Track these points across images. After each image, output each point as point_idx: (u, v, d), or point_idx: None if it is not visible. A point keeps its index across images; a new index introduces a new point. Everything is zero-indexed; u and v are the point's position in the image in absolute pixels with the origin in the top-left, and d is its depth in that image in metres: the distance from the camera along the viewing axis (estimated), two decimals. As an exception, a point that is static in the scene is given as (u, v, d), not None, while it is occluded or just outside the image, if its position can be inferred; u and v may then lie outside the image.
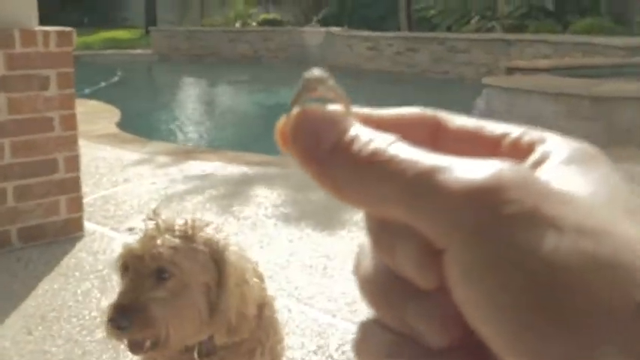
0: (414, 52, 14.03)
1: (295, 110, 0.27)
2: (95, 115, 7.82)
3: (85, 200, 4.16)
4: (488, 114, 7.83)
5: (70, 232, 3.86)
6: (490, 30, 14.90)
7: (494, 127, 0.29)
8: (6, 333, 2.80)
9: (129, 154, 5.99)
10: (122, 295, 1.50)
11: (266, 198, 4.65)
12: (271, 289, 1.81)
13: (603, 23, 13.90)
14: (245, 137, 8.86)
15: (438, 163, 0.24)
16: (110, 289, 3.21)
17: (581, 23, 13.91)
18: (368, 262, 0.27)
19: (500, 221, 0.22)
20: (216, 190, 4.85)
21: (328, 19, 18.28)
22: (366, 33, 15.33)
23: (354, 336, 0.28)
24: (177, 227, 1.54)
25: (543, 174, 0.26)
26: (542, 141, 0.28)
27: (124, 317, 1.44)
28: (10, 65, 3.58)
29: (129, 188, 4.95)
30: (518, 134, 0.28)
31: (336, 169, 0.26)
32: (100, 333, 2.78)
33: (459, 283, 0.23)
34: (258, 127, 9.71)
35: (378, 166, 0.25)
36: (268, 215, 4.31)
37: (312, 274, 3.38)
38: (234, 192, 4.84)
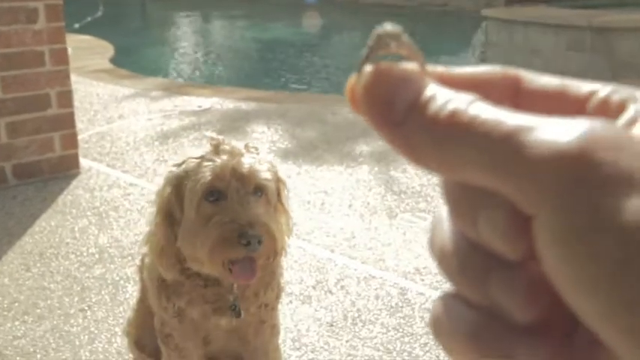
0: (412, -16, 13.75)
1: (366, 68, 0.25)
2: (88, 51, 7.70)
3: (80, 137, 4.11)
4: (488, 46, 7.72)
5: (65, 168, 3.83)
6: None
7: (579, 86, 0.27)
8: (4, 269, 2.80)
9: (124, 90, 5.91)
10: (237, 213, 1.41)
11: (263, 134, 4.61)
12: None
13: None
14: (241, 73, 8.75)
15: (524, 123, 0.22)
16: (107, 226, 3.20)
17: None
18: (444, 233, 0.25)
19: (594, 185, 0.20)
20: (213, 126, 4.80)
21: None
22: (363, -36, 14.99)
23: (431, 311, 0.26)
24: (248, 149, 1.52)
25: (639, 133, 0.23)
26: (634, 99, 0.25)
27: (256, 232, 1.40)
28: (-5, -3, 3.48)
29: (124, 124, 4.90)
30: (607, 92, 0.26)
31: (412, 131, 0.24)
32: (99, 269, 2.78)
33: (550, 253, 0.21)
34: (253, 63, 9.58)
35: (458, 128, 0.23)
36: (265, 151, 4.28)
37: (310, 209, 3.37)
38: (231, 128, 4.79)
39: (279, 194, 1.57)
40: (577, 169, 0.21)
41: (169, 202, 1.51)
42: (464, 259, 0.24)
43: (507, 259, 0.23)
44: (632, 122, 0.24)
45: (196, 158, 1.50)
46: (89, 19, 12.12)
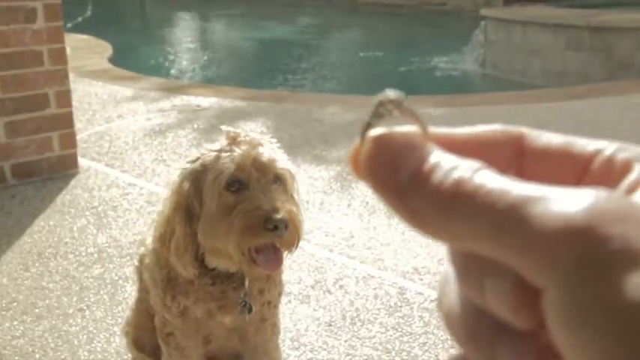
0: (410, -16, 13.74)
1: (369, 135, 0.25)
2: (87, 50, 7.69)
3: (79, 136, 4.11)
4: (487, 46, 7.72)
5: (64, 168, 3.83)
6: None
7: (584, 144, 0.26)
8: (3, 269, 2.80)
9: (122, 89, 5.91)
10: (261, 200, 1.42)
11: (261, 133, 4.60)
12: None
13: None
14: (239, 72, 8.75)
15: (530, 194, 0.22)
16: (106, 226, 3.20)
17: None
18: (453, 296, 0.25)
19: (603, 260, 0.20)
20: (211, 125, 4.80)
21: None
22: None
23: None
24: (265, 139, 1.54)
25: None
26: (639, 159, 0.25)
27: (283, 216, 1.41)
28: (-6, -3, 3.48)
29: (123, 124, 4.89)
30: (611, 151, 0.25)
31: (416, 200, 0.24)
32: (97, 269, 2.78)
33: (561, 327, 0.21)
34: (252, 62, 9.59)
35: (463, 198, 0.22)
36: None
37: (308, 209, 3.37)
38: (231, 127, 4.78)
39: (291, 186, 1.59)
40: (584, 244, 0.20)
41: (188, 197, 1.50)
42: (471, 324, 0.24)
43: (516, 327, 0.23)
44: (636, 184, 0.24)
45: (214, 151, 1.50)
46: (80, 19, 12.10)
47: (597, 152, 0.26)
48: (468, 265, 0.24)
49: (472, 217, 0.22)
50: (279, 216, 1.40)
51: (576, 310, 0.20)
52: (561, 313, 0.20)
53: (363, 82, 8.12)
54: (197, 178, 1.50)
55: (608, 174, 0.25)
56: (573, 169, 0.26)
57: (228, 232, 1.43)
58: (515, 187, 0.22)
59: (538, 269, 0.21)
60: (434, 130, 0.26)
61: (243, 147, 1.48)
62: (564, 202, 0.21)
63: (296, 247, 1.50)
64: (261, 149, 1.48)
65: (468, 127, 0.27)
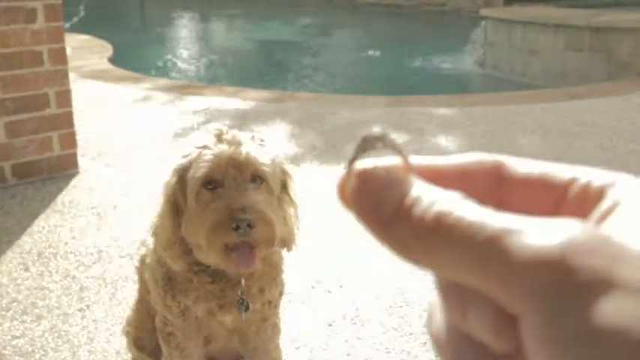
0: (410, -16, 13.74)
1: (354, 169, 0.27)
2: (87, 50, 7.69)
3: (79, 137, 4.11)
4: (487, 46, 7.72)
5: (64, 168, 3.83)
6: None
7: (562, 172, 0.27)
8: (3, 269, 2.80)
9: (122, 89, 5.91)
10: (232, 199, 1.43)
11: (262, 134, 4.61)
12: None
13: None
14: (240, 72, 8.75)
15: (507, 226, 0.23)
16: (106, 226, 3.20)
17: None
18: (439, 321, 0.27)
19: (575, 290, 0.21)
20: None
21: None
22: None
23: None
24: (254, 139, 1.53)
25: (615, 228, 0.24)
26: (612, 186, 0.26)
27: (247, 216, 1.40)
28: (-6, -3, 3.48)
29: (123, 124, 4.89)
30: (587, 179, 0.27)
31: (400, 233, 0.25)
32: (97, 269, 2.78)
33: (536, 352, 0.22)
34: (253, 62, 9.59)
35: (444, 232, 0.24)
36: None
37: (309, 209, 3.36)
38: (230, 127, 4.79)
39: (285, 186, 1.58)
40: (558, 275, 0.21)
41: (175, 192, 1.52)
42: (457, 349, 0.25)
43: (497, 351, 0.24)
44: (607, 213, 0.25)
45: (199, 148, 1.51)
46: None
47: (573, 180, 0.27)
48: (452, 293, 0.25)
49: (453, 248, 0.23)
50: (242, 215, 1.40)
51: (551, 336, 0.21)
52: (536, 339, 0.21)
53: (363, 82, 8.12)
54: (183, 174, 1.52)
55: (584, 201, 0.26)
56: (551, 197, 0.27)
57: (202, 228, 1.45)
58: (493, 219, 0.23)
59: (515, 298, 0.22)
60: (416, 160, 0.27)
61: (223, 145, 1.49)
62: (539, 234, 0.22)
63: (272, 244, 1.49)
64: (241, 148, 1.48)
65: (448, 156, 0.28)
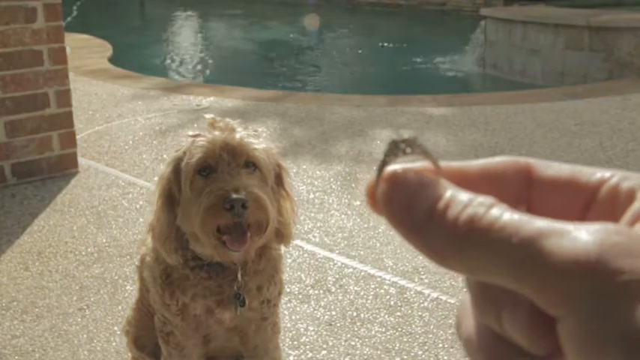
0: (410, -17, 13.72)
1: (384, 173, 0.26)
2: (87, 50, 7.69)
3: (79, 136, 4.11)
4: (487, 46, 7.72)
5: (64, 168, 3.83)
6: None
7: (590, 174, 0.27)
8: (3, 268, 2.80)
9: (122, 89, 5.91)
10: (226, 182, 1.43)
11: (261, 133, 4.60)
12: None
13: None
14: (239, 71, 8.75)
15: (542, 228, 0.23)
16: (106, 225, 3.20)
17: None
18: (470, 322, 0.26)
19: (614, 292, 0.21)
20: (211, 125, 4.79)
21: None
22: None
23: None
24: (244, 127, 1.53)
25: None
26: None
27: (240, 195, 1.40)
28: (-6, -3, 3.48)
29: (123, 124, 4.89)
30: (616, 180, 0.26)
31: (433, 236, 0.25)
32: (97, 268, 2.78)
33: (575, 354, 0.22)
34: (252, 62, 9.58)
35: (478, 234, 0.23)
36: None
37: (308, 209, 3.37)
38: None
39: (281, 180, 1.58)
40: (597, 277, 0.21)
41: (169, 183, 1.53)
42: (489, 350, 0.25)
43: (533, 353, 0.24)
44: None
45: (192, 136, 1.52)
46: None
47: (603, 182, 0.27)
48: (484, 295, 0.25)
49: (487, 250, 0.23)
50: (236, 195, 1.40)
51: (590, 338, 0.21)
52: (576, 341, 0.21)
53: (363, 81, 8.12)
54: (177, 164, 1.52)
55: (614, 203, 0.26)
56: (581, 199, 0.27)
57: (196, 213, 1.45)
58: (527, 223, 0.23)
59: (553, 301, 0.22)
60: (445, 164, 0.27)
61: (216, 132, 1.49)
62: (575, 236, 0.22)
63: (265, 229, 1.48)
64: (234, 133, 1.49)
65: (479, 159, 0.28)
